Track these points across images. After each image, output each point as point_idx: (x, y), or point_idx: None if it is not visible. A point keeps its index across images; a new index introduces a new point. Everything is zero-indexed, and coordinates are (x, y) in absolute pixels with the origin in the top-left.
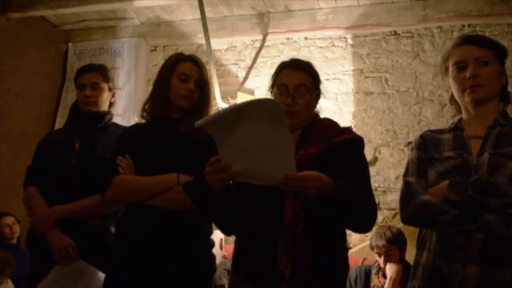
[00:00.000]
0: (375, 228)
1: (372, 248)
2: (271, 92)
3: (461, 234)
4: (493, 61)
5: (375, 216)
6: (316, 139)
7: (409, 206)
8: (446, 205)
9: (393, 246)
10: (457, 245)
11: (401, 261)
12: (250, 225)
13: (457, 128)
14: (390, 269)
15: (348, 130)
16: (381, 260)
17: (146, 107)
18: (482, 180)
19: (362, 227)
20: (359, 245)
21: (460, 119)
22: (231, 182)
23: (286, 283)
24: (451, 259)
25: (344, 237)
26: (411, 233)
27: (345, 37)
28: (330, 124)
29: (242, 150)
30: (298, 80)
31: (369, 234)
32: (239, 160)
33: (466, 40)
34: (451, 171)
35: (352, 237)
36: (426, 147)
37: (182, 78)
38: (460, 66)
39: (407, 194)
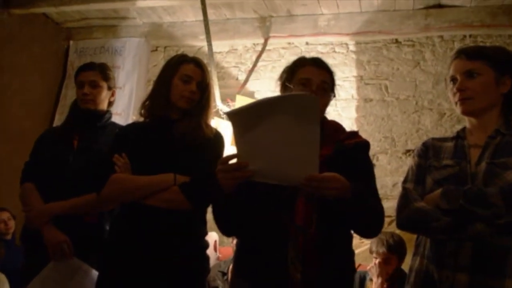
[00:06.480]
0: None
1: (371, 252)
2: (283, 86)
3: (453, 242)
4: (485, 71)
5: (384, 221)
6: (325, 141)
7: (404, 212)
8: (438, 212)
9: (392, 255)
10: (448, 252)
11: (397, 270)
12: (256, 226)
13: (459, 137)
14: (374, 276)
15: (356, 134)
16: (376, 262)
17: (146, 104)
18: (474, 190)
19: (372, 232)
20: (355, 251)
21: (464, 128)
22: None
23: (295, 286)
24: (442, 265)
25: (350, 240)
26: (408, 239)
27: (346, 44)
28: (338, 127)
29: (262, 148)
30: (322, 77)
31: (365, 240)
32: (257, 158)
33: (458, 54)
34: (447, 179)
35: None
36: (427, 155)
37: (184, 79)
38: (453, 80)
39: (403, 200)
